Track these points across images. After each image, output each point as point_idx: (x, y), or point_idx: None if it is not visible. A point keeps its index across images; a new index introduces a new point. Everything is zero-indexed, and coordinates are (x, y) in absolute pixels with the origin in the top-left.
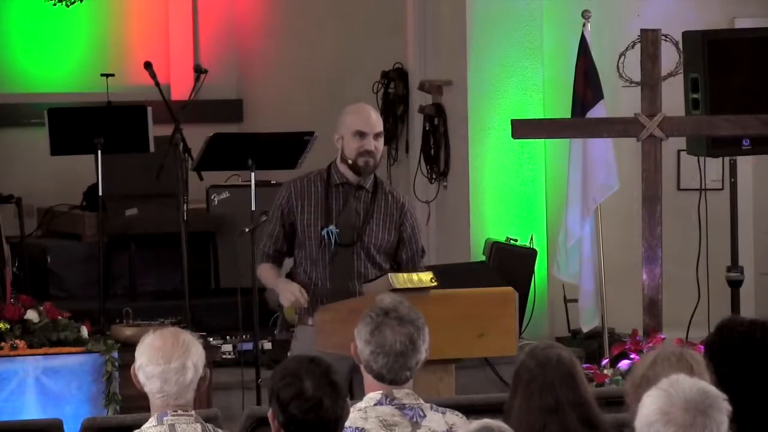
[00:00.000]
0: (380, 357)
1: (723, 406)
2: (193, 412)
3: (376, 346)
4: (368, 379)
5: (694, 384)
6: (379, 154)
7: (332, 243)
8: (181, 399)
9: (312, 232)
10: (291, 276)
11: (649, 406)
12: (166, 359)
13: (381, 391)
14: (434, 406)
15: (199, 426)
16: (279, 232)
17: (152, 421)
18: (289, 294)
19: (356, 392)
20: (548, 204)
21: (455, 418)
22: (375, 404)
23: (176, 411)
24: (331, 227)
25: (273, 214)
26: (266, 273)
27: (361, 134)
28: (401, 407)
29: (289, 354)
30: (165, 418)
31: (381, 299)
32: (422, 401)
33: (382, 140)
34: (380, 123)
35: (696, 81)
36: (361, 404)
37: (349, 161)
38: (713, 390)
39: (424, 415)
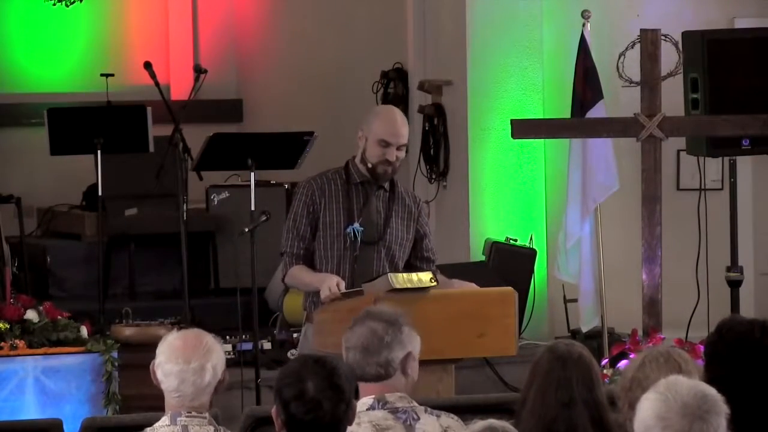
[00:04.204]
0: (350, 352)
1: (721, 410)
2: (206, 414)
3: (348, 341)
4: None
5: (692, 387)
6: (399, 162)
7: (358, 241)
8: (197, 401)
9: (334, 231)
10: None
11: (646, 410)
12: (185, 359)
13: (373, 396)
14: (429, 408)
15: (212, 428)
16: (306, 230)
17: (165, 420)
18: (326, 287)
19: None
20: (548, 204)
21: (450, 421)
22: (367, 409)
23: (190, 412)
24: (356, 225)
25: (297, 213)
26: (301, 273)
27: (386, 143)
28: (394, 411)
29: (296, 351)
30: (179, 419)
31: (375, 305)
32: (416, 404)
33: (404, 150)
34: (407, 133)
35: (696, 81)
36: None
37: (369, 165)
38: (711, 393)
39: (418, 418)
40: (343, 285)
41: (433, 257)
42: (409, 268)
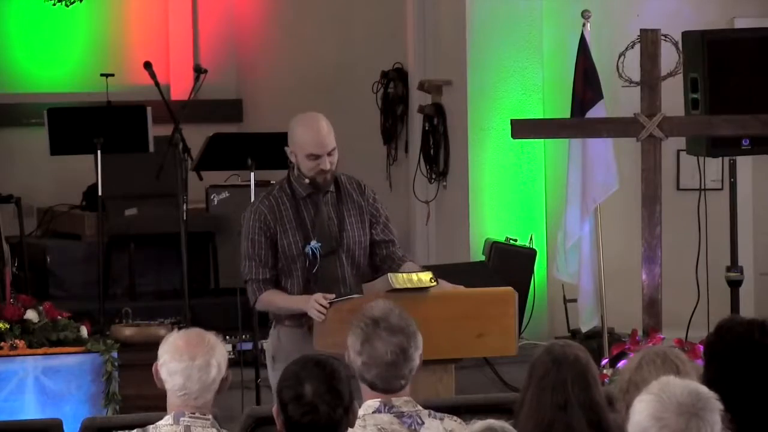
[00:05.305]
0: (372, 368)
1: (715, 406)
2: (210, 416)
3: (368, 357)
4: (364, 386)
5: (686, 387)
6: (335, 164)
7: (317, 258)
8: (201, 399)
9: (295, 252)
10: None
11: (641, 412)
12: (190, 356)
13: (379, 399)
14: (432, 412)
15: (214, 431)
16: (267, 255)
17: (168, 419)
18: (316, 306)
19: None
20: (548, 204)
21: (453, 424)
22: (373, 412)
23: (194, 413)
24: (313, 243)
25: (255, 240)
26: (277, 297)
27: (315, 156)
28: (400, 415)
29: (269, 356)
30: (182, 419)
31: (371, 307)
32: (420, 408)
33: (336, 153)
34: (332, 137)
35: (695, 81)
36: (359, 412)
37: (307, 180)
38: (704, 391)
39: (422, 423)
40: (323, 300)
41: (388, 237)
42: (371, 257)
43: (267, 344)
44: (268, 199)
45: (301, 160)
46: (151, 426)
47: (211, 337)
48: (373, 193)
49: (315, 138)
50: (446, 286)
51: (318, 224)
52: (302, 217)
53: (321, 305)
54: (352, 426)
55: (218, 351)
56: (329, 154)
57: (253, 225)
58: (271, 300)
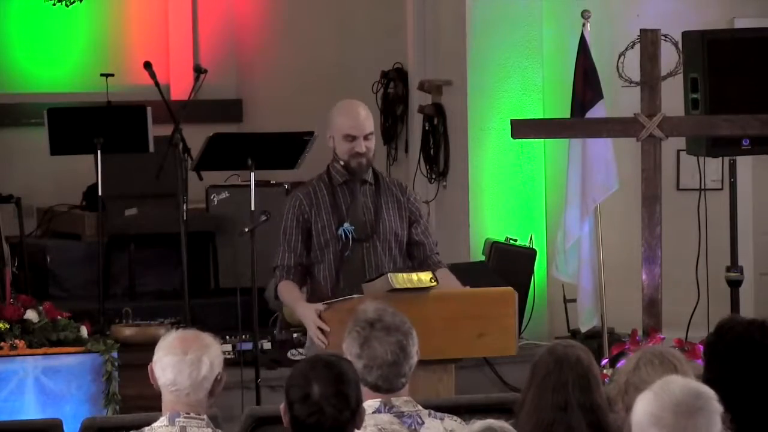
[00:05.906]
0: (374, 370)
1: (714, 407)
2: (205, 416)
3: (368, 359)
4: (364, 388)
5: (685, 386)
6: (372, 152)
7: (350, 240)
8: (193, 396)
9: (328, 235)
10: (313, 285)
11: (640, 410)
12: (183, 350)
13: (379, 399)
14: (432, 412)
15: (209, 431)
16: (297, 241)
17: (163, 420)
18: (317, 333)
19: None
20: (548, 204)
21: (454, 423)
22: (373, 412)
23: (188, 414)
24: (346, 225)
25: (287, 227)
26: (288, 294)
27: (351, 137)
28: (400, 415)
29: (304, 352)
30: (177, 420)
31: (363, 310)
32: (420, 408)
33: (373, 139)
34: (370, 122)
35: (695, 81)
36: None
37: (342, 162)
38: (705, 391)
39: (423, 422)
40: (321, 323)
41: (426, 241)
42: (409, 258)
43: (304, 347)
44: (306, 187)
45: (338, 143)
46: (147, 427)
47: (207, 337)
48: (414, 194)
49: (352, 121)
50: (454, 282)
51: (353, 210)
52: (338, 203)
53: (321, 330)
54: (358, 428)
55: (212, 350)
56: (366, 138)
57: (288, 211)
58: (284, 294)
